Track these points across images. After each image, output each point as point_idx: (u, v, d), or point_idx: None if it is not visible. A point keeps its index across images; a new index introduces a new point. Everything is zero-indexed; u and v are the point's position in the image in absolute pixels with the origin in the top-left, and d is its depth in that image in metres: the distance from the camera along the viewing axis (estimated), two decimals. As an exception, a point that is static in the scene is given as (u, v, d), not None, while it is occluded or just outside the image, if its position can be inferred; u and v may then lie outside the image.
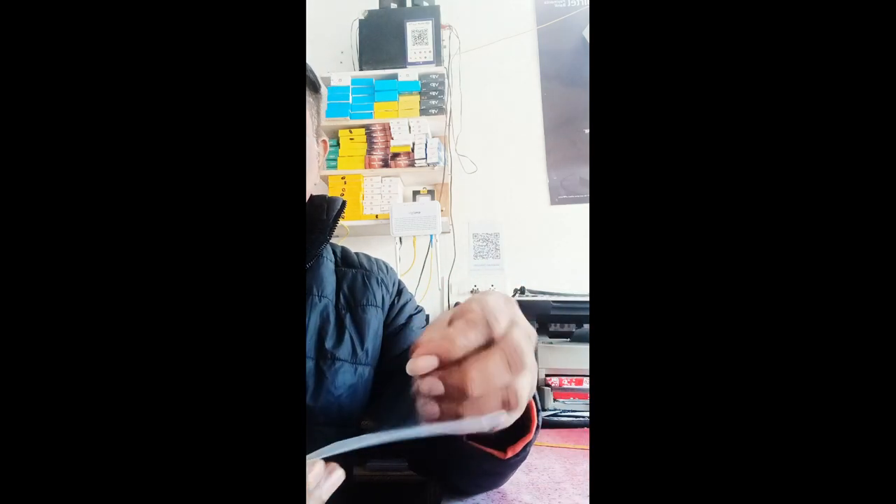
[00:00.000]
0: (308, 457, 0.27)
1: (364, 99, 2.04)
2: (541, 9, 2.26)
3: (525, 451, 0.44)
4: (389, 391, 0.60)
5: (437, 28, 2.06)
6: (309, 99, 0.61)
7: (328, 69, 2.12)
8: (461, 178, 2.11)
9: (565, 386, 1.02)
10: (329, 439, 0.32)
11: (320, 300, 0.62)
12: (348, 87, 2.04)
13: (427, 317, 0.73)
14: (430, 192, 2.10)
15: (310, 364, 0.58)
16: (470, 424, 0.29)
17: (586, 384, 1.01)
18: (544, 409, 0.99)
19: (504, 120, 2.19)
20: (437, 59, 2.05)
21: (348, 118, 2.02)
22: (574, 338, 1.07)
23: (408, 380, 0.31)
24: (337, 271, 0.67)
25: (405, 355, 0.62)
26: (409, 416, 0.32)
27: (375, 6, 2.15)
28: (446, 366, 0.30)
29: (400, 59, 2.04)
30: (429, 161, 1.96)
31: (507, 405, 0.31)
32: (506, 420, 0.32)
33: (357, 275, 0.67)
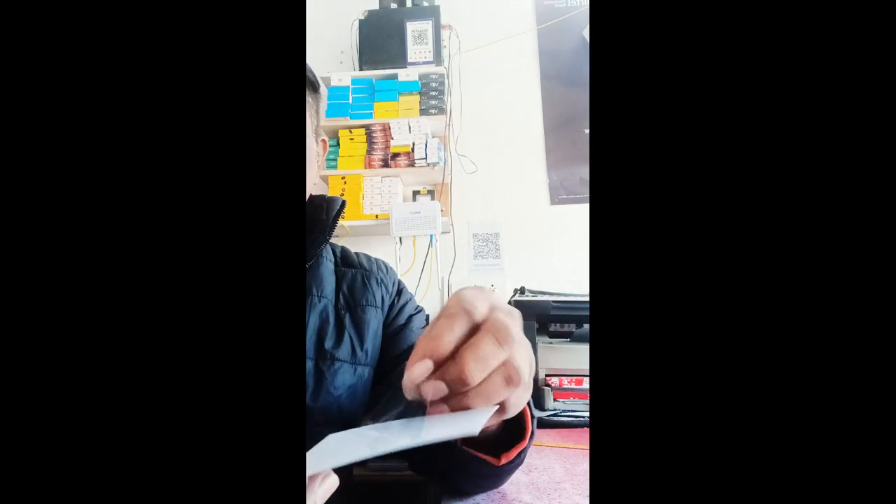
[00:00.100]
0: (310, 467, 0.27)
1: (364, 99, 2.05)
2: (541, 9, 2.26)
3: (520, 457, 0.44)
4: (389, 392, 0.60)
5: (437, 28, 2.06)
6: (309, 99, 0.61)
7: (328, 69, 2.13)
8: (461, 178, 2.11)
9: (565, 386, 1.02)
10: None
11: (320, 300, 0.62)
12: (348, 87, 2.05)
13: (427, 317, 0.73)
14: (430, 192, 2.10)
15: (309, 364, 0.58)
16: (463, 426, 0.29)
17: (586, 384, 1.01)
18: (544, 409, 0.99)
19: (504, 120, 2.19)
20: (437, 59, 2.05)
21: (348, 118, 2.02)
22: (574, 338, 1.07)
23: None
24: (337, 271, 0.67)
25: (405, 355, 0.62)
26: (408, 418, 0.32)
27: (375, 6, 2.15)
28: (441, 364, 0.30)
29: (400, 59, 2.05)
30: (429, 161, 1.96)
31: (510, 381, 0.31)
32: (502, 413, 0.32)
33: (357, 275, 0.67)
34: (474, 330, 0.31)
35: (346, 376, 0.59)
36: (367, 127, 2.02)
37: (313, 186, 0.64)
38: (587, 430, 0.90)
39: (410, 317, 0.68)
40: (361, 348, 0.61)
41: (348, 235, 1.95)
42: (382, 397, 0.61)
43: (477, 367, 0.30)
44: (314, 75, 0.62)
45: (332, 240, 0.67)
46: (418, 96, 2.02)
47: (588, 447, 0.52)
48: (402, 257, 1.78)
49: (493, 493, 0.51)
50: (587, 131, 2.12)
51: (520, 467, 0.48)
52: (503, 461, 0.43)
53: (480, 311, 0.32)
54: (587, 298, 1.00)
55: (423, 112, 2.00)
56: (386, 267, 0.72)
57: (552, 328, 1.09)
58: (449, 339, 0.30)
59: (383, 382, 0.62)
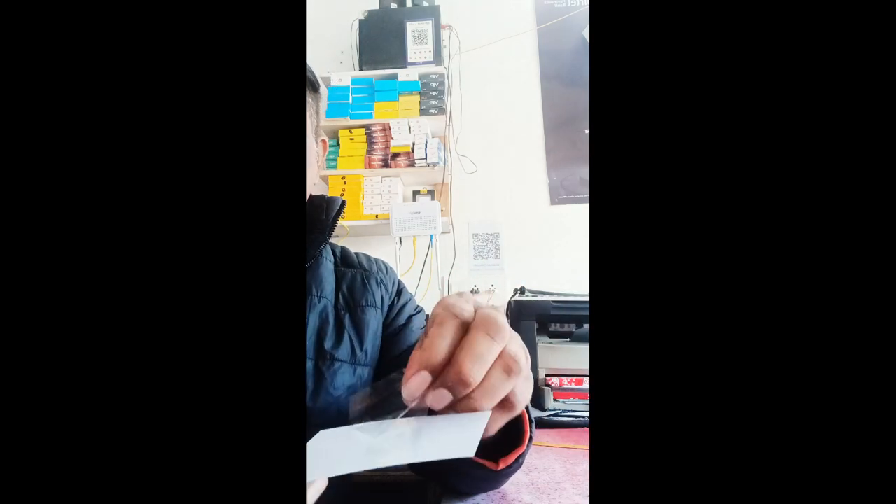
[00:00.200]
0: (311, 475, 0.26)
1: (364, 99, 2.05)
2: (541, 9, 2.26)
3: (518, 461, 0.44)
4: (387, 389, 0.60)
5: (437, 28, 2.07)
6: (308, 99, 0.61)
7: (328, 69, 2.13)
8: (461, 178, 2.11)
9: (565, 386, 1.02)
10: None
11: (319, 300, 0.62)
12: (348, 87, 2.05)
13: (427, 317, 0.73)
14: (430, 192, 2.10)
15: (309, 365, 0.58)
16: (459, 444, 0.28)
17: (586, 384, 1.01)
18: (544, 409, 0.99)
19: (504, 120, 2.19)
20: (437, 59, 2.05)
21: (348, 118, 2.02)
22: (574, 338, 1.07)
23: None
24: (336, 271, 0.67)
25: (405, 356, 0.62)
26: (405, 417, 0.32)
27: (375, 6, 2.15)
28: (438, 372, 0.30)
29: (400, 59, 2.05)
30: (429, 161, 1.96)
31: (509, 371, 0.31)
32: (510, 410, 0.32)
33: (356, 275, 0.67)
34: (465, 332, 0.31)
35: (346, 377, 0.59)
36: (367, 127, 2.02)
37: (313, 186, 0.64)
38: (587, 430, 0.90)
39: (410, 317, 0.68)
40: (361, 349, 0.61)
41: (348, 235, 1.95)
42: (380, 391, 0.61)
43: (475, 365, 0.30)
44: (314, 75, 0.62)
45: (332, 240, 0.67)
46: (418, 96, 2.02)
47: (588, 447, 0.52)
48: (402, 257, 1.78)
49: (493, 494, 0.51)
50: (587, 131, 2.12)
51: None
52: (501, 466, 0.43)
53: (468, 311, 0.32)
54: (587, 298, 1.00)
55: (423, 112, 2.00)
56: (386, 267, 0.71)
57: (552, 328, 1.09)
58: (442, 346, 0.30)
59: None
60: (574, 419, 0.96)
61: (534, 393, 0.41)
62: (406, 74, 2.03)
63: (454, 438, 0.29)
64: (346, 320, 0.62)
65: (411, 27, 2.06)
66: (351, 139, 2.02)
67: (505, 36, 2.23)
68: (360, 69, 2.07)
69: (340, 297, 0.64)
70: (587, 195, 2.03)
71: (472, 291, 2.05)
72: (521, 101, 2.21)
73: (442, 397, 0.30)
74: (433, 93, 2.02)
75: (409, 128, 1.99)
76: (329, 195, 0.65)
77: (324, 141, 0.71)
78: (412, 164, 1.97)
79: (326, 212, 0.63)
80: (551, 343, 1.07)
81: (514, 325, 0.93)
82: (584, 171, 2.12)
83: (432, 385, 0.30)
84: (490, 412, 0.31)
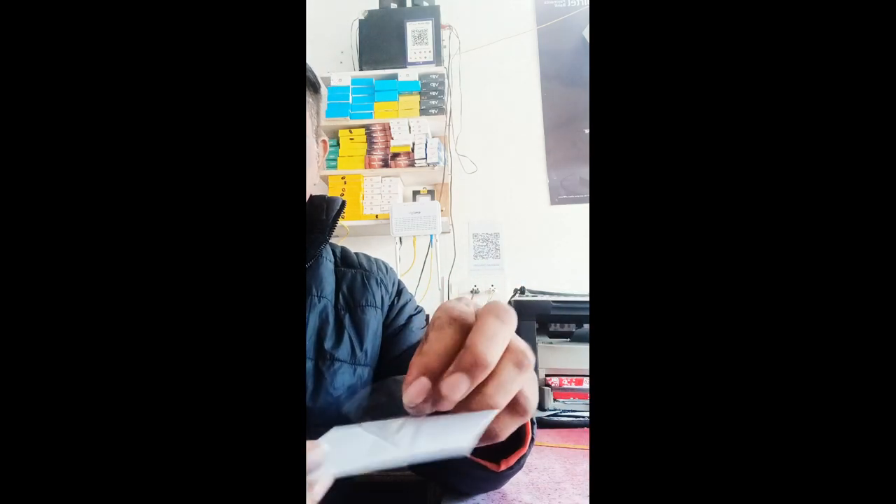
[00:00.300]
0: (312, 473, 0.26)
1: (364, 99, 2.05)
2: (541, 9, 2.26)
3: (519, 463, 0.44)
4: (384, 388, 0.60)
5: (437, 28, 2.07)
6: (309, 99, 0.61)
7: (328, 69, 2.13)
8: (461, 178, 2.11)
9: (565, 386, 1.03)
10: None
11: (319, 300, 0.62)
12: (348, 87, 2.05)
13: (427, 317, 0.73)
14: (430, 192, 2.10)
15: (309, 365, 0.58)
16: (458, 439, 0.28)
17: (586, 384, 1.01)
18: (544, 409, 0.99)
19: (504, 120, 2.19)
20: (437, 59, 2.05)
21: (348, 118, 2.02)
22: (574, 338, 1.07)
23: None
24: (336, 271, 0.67)
25: (405, 356, 0.62)
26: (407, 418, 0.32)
27: (375, 6, 2.15)
28: (438, 376, 0.29)
29: (400, 59, 2.05)
30: (429, 161, 1.96)
31: (520, 365, 0.30)
32: (502, 428, 0.32)
33: (356, 275, 0.67)
34: (465, 338, 0.31)
35: (346, 377, 0.59)
36: (367, 127, 2.02)
37: (313, 187, 0.64)
38: (587, 430, 0.90)
39: (410, 317, 0.68)
40: (361, 349, 0.61)
41: (348, 235, 1.95)
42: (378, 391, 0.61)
43: (490, 345, 0.29)
44: (314, 75, 0.62)
45: (332, 240, 0.67)
46: (418, 96, 2.02)
47: (588, 447, 0.52)
48: (402, 257, 1.78)
49: (492, 494, 0.51)
50: (587, 131, 2.12)
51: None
52: (503, 467, 0.43)
53: (468, 314, 0.31)
54: (587, 298, 1.00)
55: (423, 112, 2.00)
56: (386, 267, 0.72)
57: (552, 328, 1.09)
58: (439, 350, 0.30)
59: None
60: (574, 419, 0.96)
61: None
62: (406, 74, 2.03)
63: (453, 436, 0.29)
64: (346, 320, 0.62)
65: (411, 27, 2.06)
66: (351, 139, 2.02)
67: (505, 36, 2.23)
68: (360, 69, 2.07)
69: (340, 297, 0.64)
70: (587, 195, 2.03)
71: (471, 292, 2.06)
72: (521, 101, 2.21)
73: (459, 383, 0.29)
74: (433, 93, 2.02)
75: (409, 128, 1.99)
76: (329, 195, 0.65)
77: (324, 141, 0.71)
78: (412, 164, 1.97)
79: (326, 212, 0.63)
80: (551, 343, 1.07)
81: (514, 325, 0.93)
82: (584, 171, 2.12)
83: (434, 388, 0.29)
84: (495, 411, 0.31)
